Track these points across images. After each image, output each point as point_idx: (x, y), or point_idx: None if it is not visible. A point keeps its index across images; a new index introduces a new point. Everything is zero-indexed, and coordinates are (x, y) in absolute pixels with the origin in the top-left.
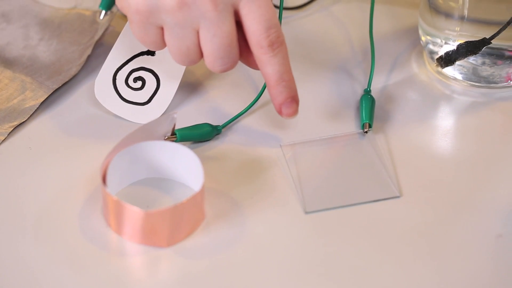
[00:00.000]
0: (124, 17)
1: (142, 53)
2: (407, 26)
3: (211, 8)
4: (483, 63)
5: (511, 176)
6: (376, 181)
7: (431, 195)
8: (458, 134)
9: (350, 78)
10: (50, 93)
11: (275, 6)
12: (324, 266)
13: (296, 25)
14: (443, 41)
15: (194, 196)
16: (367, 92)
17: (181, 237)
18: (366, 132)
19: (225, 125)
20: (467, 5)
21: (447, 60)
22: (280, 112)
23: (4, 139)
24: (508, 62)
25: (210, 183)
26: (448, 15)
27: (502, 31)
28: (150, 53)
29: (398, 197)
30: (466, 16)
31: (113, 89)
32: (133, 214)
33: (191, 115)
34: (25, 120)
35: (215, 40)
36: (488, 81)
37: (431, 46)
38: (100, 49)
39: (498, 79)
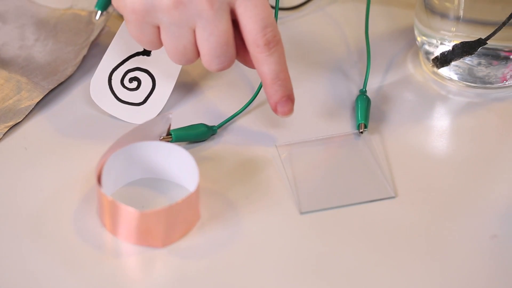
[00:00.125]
0: (120, 17)
1: (137, 54)
2: (403, 27)
3: (207, 7)
4: (479, 64)
5: (506, 176)
6: (371, 181)
7: (426, 196)
8: (454, 134)
9: (346, 78)
10: (45, 93)
11: (271, 6)
12: (319, 266)
13: (292, 25)
14: (439, 42)
15: (189, 197)
16: (362, 92)
17: (176, 238)
18: (361, 132)
19: (220, 125)
20: (462, 5)
21: (443, 60)
22: (275, 111)
23: None
24: (503, 62)
25: (205, 183)
26: (443, 15)
27: (497, 31)
28: (146, 53)
29: (393, 197)
30: (461, 16)
31: (109, 90)
32: (128, 214)
33: (186, 115)
34: (21, 121)
35: (211, 39)
36: (483, 82)
37: (426, 47)
38: (95, 49)
39: (494, 80)
